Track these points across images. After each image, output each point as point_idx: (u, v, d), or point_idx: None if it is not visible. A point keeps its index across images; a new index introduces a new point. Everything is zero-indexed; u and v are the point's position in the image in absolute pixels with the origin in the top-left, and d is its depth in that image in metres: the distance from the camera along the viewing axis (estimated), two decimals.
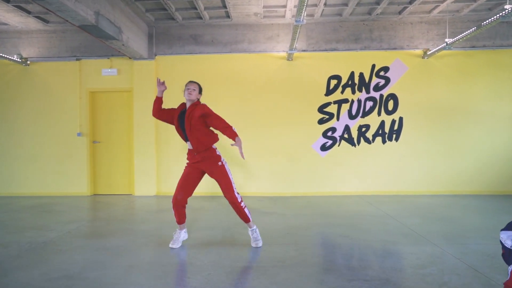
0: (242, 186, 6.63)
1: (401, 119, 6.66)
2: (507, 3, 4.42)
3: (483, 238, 3.70)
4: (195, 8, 5.95)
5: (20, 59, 6.80)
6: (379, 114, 6.67)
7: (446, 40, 5.77)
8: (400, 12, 6.26)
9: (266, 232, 3.99)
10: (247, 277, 2.76)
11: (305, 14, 4.59)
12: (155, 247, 3.54)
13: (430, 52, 6.30)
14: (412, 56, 6.63)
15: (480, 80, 6.56)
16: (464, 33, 5.27)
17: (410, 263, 2.99)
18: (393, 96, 6.65)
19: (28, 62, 6.92)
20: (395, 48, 6.63)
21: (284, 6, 5.91)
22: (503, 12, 4.35)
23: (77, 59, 6.91)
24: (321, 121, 6.69)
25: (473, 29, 5.03)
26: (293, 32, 5.18)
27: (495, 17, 4.54)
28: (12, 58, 6.61)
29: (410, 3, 5.83)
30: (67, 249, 3.48)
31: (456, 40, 5.50)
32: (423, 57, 6.58)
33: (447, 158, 6.58)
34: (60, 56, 6.93)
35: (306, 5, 4.08)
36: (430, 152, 6.60)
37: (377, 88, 6.66)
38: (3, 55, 6.41)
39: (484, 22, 4.78)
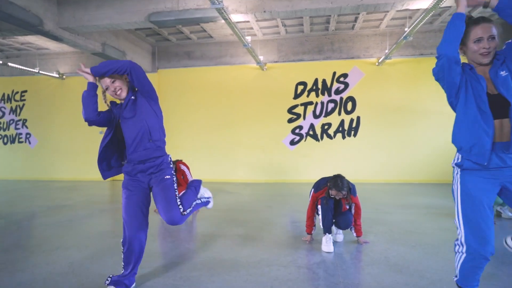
0: (225, 173, 8.15)
1: (358, 118, 7.78)
2: (406, 26, 5.50)
3: (369, 208, 4.91)
4: (183, 33, 7.54)
5: (58, 74, 8.83)
6: (339, 114, 7.85)
7: (386, 51, 6.85)
8: (353, 27, 7.40)
9: (215, 204, 5.48)
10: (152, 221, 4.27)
11: (249, 40, 5.99)
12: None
13: (381, 60, 7.36)
14: (368, 64, 7.73)
15: (427, 83, 7.48)
16: (393, 46, 6.35)
17: (289, 219, 4.33)
18: (351, 99, 7.80)
19: (64, 76, 8.94)
20: (353, 57, 7.76)
21: (252, 28, 7.30)
22: (404, 34, 5.44)
23: None
24: (290, 120, 8.01)
25: (394, 45, 6.11)
26: (249, 52, 6.58)
27: (401, 38, 5.63)
28: (52, 74, 8.65)
29: (355, 21, 6.97)
30: (71, 208, 5.22)
31: (390, 51, 6.58)
32: (377, 65, 7.64)
33: (398, 151, 7.61)
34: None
35: (244, 35, 5.50)
36: (384, 146, 7.67)
37: (338, 92, 7.84)
38: (46, 72, 8.45)
39: (399, 40, 5.85)
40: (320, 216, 3.23)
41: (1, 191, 7.22)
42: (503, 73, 1.81)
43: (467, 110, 1.86)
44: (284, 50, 8.01)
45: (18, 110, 9.39)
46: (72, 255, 3.16)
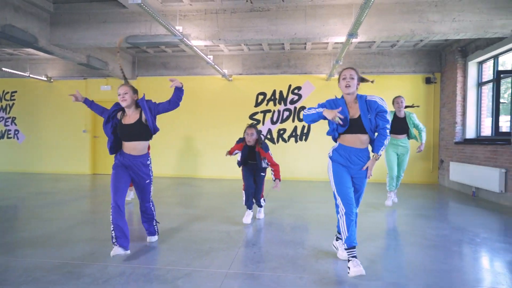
0: (195, 170, 9.33)
1: (309, 125, 9.07)
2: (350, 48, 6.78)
3: (299, 198, 6.16)
4: (159, 46, 8.68)
5: (46, 78, 9.82)
6: (293, 121, 9.13)
7: (331, 68, 8.16)
8: (305, 48, 8.69)
9: (181, 192, 6.65)
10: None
11: (211, 58, 7.22)
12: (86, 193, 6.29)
13: (329, 76, 8.66)
14: (318, 79, 9.04)
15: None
16: (331, 66, 7.66)
17: (230, 205, 5.55)
18: (303, 108, 9.08)
19: (52, 80, 9.93)
20: (305, 73, 9.06)
21: (219, 46, 8.50)
22: (338, 61, 6.76)
23: (84, 79, 9.86)
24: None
25: (334, 63, 7.39)
26: (212, 67, 7.79)
27: (337, 61, 6.93)
28: (41, 78, 9.64)
29: (305, 43, 8.26)
30: (57, 194, 6.30)
31: (333, 69, 7.88)
32: (326, 80, 8.95)
33: None
34: (73, 76, 9.90)
35: (206, 55, 6.70)
36: (329, 149, 8.96)
37: (292, 102, 9.12)
38: (36, 76, 9.45)
39: (340, 62, 7.13)
40: (243, 190, 4.43)
41: None
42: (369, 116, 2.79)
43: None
44: (248, 64, 9.24)
45: (8, 108, 10.32)
46: (45, 225, 4.30)
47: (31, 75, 9.26)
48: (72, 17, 6.34)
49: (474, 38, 6.48)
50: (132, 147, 3.21)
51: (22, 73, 9.08)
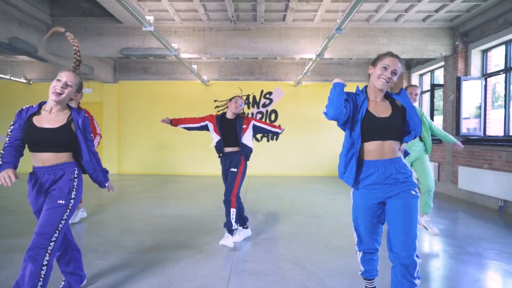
0: (175, 168, 10.11)
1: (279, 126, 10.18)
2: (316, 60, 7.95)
3: (276, 191, 7.25)
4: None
5: (25, 80, 10.06)
6: None
7: (299, 77, 9.32)
8: (276, 58, 9.79)
9: (167, 189, 7.46)
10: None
11: (195, 68, 8.08)
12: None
13: (296, 83, 9.84)
14: (287, 85, 10.19)
15: None
16: (300, 76, 8.83)
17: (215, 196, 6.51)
18: (274, 111, 10.20)
19: (31, 82, 10.18)
20: (276, 80, 10.17)
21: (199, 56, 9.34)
22: (305, 71, 7.91)
23: None
24: None
25: (302, 74, 8.55)
26: (195, 75, 8.65)
27: (304, 72, 8.09)
28: (20, 80, 9.88)
29: (277, 56, 9.35)
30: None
31: (300, 79, 9.05)
32: (294, 86, 10.12)
33: (308, 152, 10.16)
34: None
35: (190, 65, 7.55)
36: (297, 148, 10.17)
37: (264, 105, 10.20)
38: (14, 78, 9.68)
39: (308, 74, 8.28)
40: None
41: None
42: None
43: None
44: (224, 71, 10.17)
45: None
46: None
47: (12, 78, 9.49)
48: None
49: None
50: (45, 158, 2.29)
51: (4, 76, 9.31)
